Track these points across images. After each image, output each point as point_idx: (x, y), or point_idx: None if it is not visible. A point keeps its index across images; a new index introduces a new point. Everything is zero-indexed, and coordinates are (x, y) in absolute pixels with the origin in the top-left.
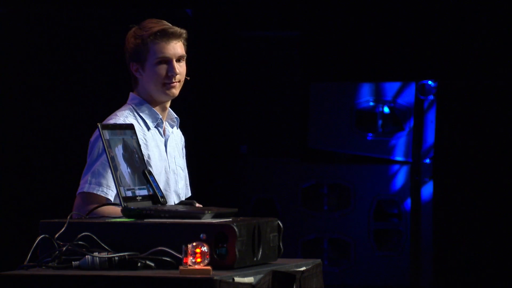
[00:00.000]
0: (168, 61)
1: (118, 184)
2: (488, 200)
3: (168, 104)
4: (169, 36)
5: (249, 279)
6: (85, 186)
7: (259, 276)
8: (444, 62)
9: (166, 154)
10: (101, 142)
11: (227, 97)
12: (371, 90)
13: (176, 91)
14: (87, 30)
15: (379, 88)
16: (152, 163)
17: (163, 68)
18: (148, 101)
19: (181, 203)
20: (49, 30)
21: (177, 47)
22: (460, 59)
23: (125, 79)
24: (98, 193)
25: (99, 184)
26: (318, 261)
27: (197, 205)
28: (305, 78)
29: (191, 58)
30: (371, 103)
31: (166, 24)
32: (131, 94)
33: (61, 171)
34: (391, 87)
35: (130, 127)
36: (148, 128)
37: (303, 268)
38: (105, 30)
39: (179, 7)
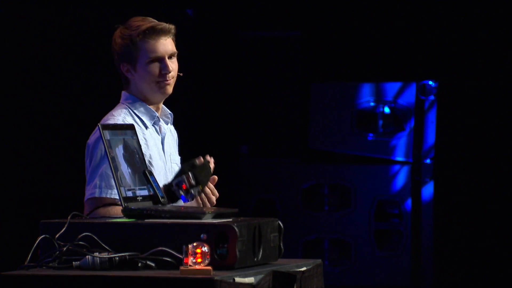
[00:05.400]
0: (160, 59)
1: (118, 184)
2: (488, 200)
3: (162, 101)
4: (158, 33)
5: (250, 279)
6: (95, 190)
7: (259, 276)
8: (445, 62)
9: (164, 152)
10: (102, 144)
11: (227, 97)
12: (371, 90)
13: (170, 88)
14: (86, 30)
15: (380, 88)
16: (153, 163)
17: (155, 67)
18: (142, 100)
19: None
20: (47, 29)
21: (167, 44)
22: (460, 59)
23: (119, 78)
24: (112, 196)
25: (111, 187)
26: (319, 261)
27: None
28: (305, 78)
29: (191, 58)
30: (372, 103)
31: (153, 21)
32: (124, 93)
33: (61, 171)
34: (392, 87)
35: (131, 127)
36: (146, 127)
37: (303, 268)
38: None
39: (179, 7)
